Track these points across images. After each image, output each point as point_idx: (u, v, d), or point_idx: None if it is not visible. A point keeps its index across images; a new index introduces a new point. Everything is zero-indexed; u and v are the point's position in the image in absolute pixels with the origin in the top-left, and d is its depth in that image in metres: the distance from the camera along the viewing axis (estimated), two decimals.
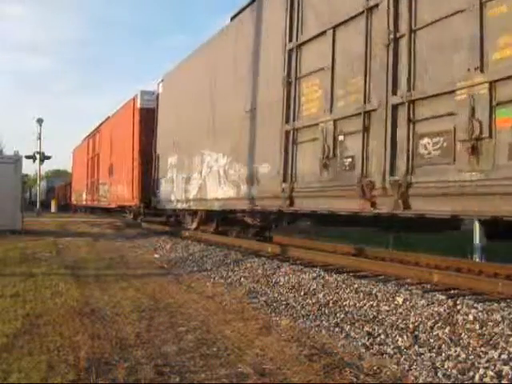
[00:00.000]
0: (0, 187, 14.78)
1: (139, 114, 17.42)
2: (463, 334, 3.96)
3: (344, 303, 5.26)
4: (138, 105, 17.51)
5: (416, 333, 4.15)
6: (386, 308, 4.86)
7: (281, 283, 6.48)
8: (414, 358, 3.63)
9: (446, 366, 3.42)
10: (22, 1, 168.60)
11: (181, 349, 3.86)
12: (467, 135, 4.77)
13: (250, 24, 9.41)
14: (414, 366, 3.47)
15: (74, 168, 37.01)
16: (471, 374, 3.28)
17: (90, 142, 28.26)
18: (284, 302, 5.55)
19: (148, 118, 16.60)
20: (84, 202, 30.59)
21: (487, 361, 3.42)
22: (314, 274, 6.46)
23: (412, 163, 5.48)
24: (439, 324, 4.23)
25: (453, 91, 5.01)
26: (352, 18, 6.56)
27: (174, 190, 13.53)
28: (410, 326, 4.33)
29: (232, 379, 3.23)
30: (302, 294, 5.88)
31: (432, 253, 7.85)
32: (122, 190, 19.57)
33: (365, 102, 6.22)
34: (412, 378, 3.29)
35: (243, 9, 9.90)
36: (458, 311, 4.40)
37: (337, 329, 4.45)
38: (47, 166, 63.20)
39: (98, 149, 25.59)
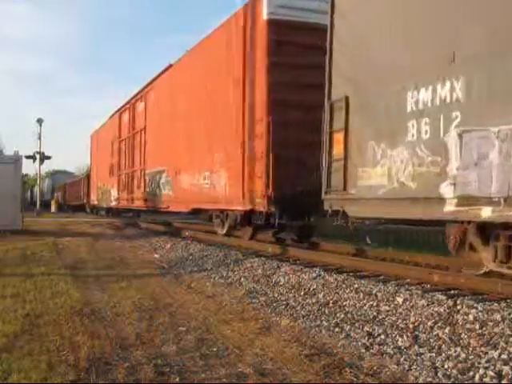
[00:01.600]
0: (0, 187, 14.79)
1: (267, 34, 8.75)
2: (463, 334, 3.97)
3: (344, 303, 5.27)
4: (265, 15, 8.74)
5: (416, 333, 4.15)
6: (386, 308, 4.86)
7: (281, 283, 6.49)
8: (414, 358, 3.63)
9: (446, 366, 3.42)
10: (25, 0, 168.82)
11: (181, 349, 3.86)
12: None
13: None
14: (414, 366, 3.47)
15: (95, 157, 27.04)
16: (471, 373, 3.28)
17: (125, 116, 19.17)
18: (284, 302, 5.55)
19: (290, 43, 8.75)
20: (114, 203, 21.09)
21: (487, 361, 3.42)
22: (314, 274, 6.46)
23: None
24: (439, 324, 4.23)
25: None
26: None
27: (448, 172, 5.13)
28: (410, 326, 4.33)
29: (232, 379, 3.23)
30: (302, 293, 5.88)
31: (432, 253, 7.85)
32: (210, 184, 10.79)
33: None
34: (412, 377, 3.29)
35: None
36: (458, 311, 4.41)
37: (337, 329, 4.45)
38: (47, 166, 61.81)
39: (142, 122, 16.59)
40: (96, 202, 26.44)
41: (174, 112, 13.53)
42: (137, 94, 17.97)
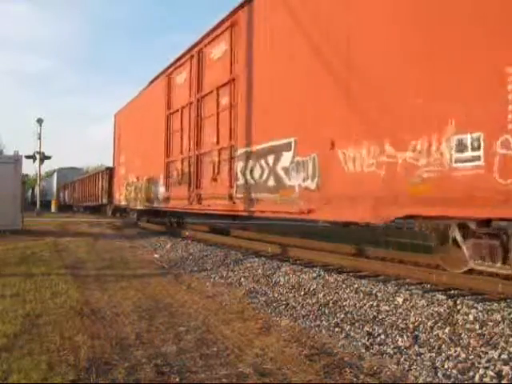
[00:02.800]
0: (0, 187, 14.80)
1: None
2: (463, 334, 3.97)
3: (344, 303, 5.27)
4: None
5: (416, 333, 4.15)
6: (386, 308, 4.86)
7: (281, 283, 6.49)
8: (414, 357, 3.64)
9: (446, 366, 3.42)
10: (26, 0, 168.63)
11: (181, 349, 3.86)
12: None
13: None
14: (414, 366, 3.47)
15: (122, 143, 19.47)
16: (471, 374, 3.28)
17: (181, 75, 12.75)
18: (284, 302, 5.55)
19: None
20: (160, 204, 14.24)
21: (487, 361, 3.42)
22: (314, 274, 6.47)
23: None
24: (439, 324, 4.24)
25: None
26: None
27: None
28: (410, 326, 4.33)
29: (232, 379, 3.23)
30: (302, 293, 5.88)
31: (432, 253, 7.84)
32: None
33: None
34: (412, 377, 3.29)
35: None
36: (458, 311, 4.41)
37: (337, 329, 4.45)
38: (46, 167, 61.27)
39: (222, 74, 10.12)
40: (123, 203, 19.17)
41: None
42: (211, 32, 10.91)
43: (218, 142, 10.25)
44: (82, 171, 48.10)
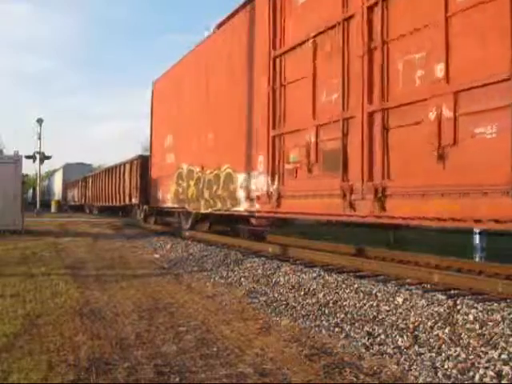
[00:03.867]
0: (0, 187, 14.81)
1: None
2: (463, 334, 3.96)
3: (344, 303, 5.26)
4: None
5: (416, 333, 4.15)
6: (386, 308, 4.86)
7: (281, 283, 6.48)
8: (414, 357, 3.63)
9: (446, 366, 3.42)
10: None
11: (181, 349, 3.86)
12: None
13: None
14: (414, 366, 3.47)
15: (166, 121, 14.60)
16: (471, 374, 3.28)
17: None
18: (284, 302, 5.55)
19: None
20: (261, 207, 8.50)
21: (487, 361, 3.42)
22: (314, 274, 6.46)
23: None
24: (439, 324, 4.23)
25: None
26: None
27: None
28: (410, 326, 4.33)
29: (232, 379, 3.23)
30: (302, 293, 5.88)
31: (432, 253, 7.85)
32: None
33: None
34: (412, 377, 3.29)
35: None
36: (458, 311, 4.41)
37: (337, 329, 4.45)
38: (47, 167, 60.92)
39: None
40: (170, 204, 13.87)
41: None
42: None
43: (447, 81, 5.08)
44: (92, 167, 41.92)
